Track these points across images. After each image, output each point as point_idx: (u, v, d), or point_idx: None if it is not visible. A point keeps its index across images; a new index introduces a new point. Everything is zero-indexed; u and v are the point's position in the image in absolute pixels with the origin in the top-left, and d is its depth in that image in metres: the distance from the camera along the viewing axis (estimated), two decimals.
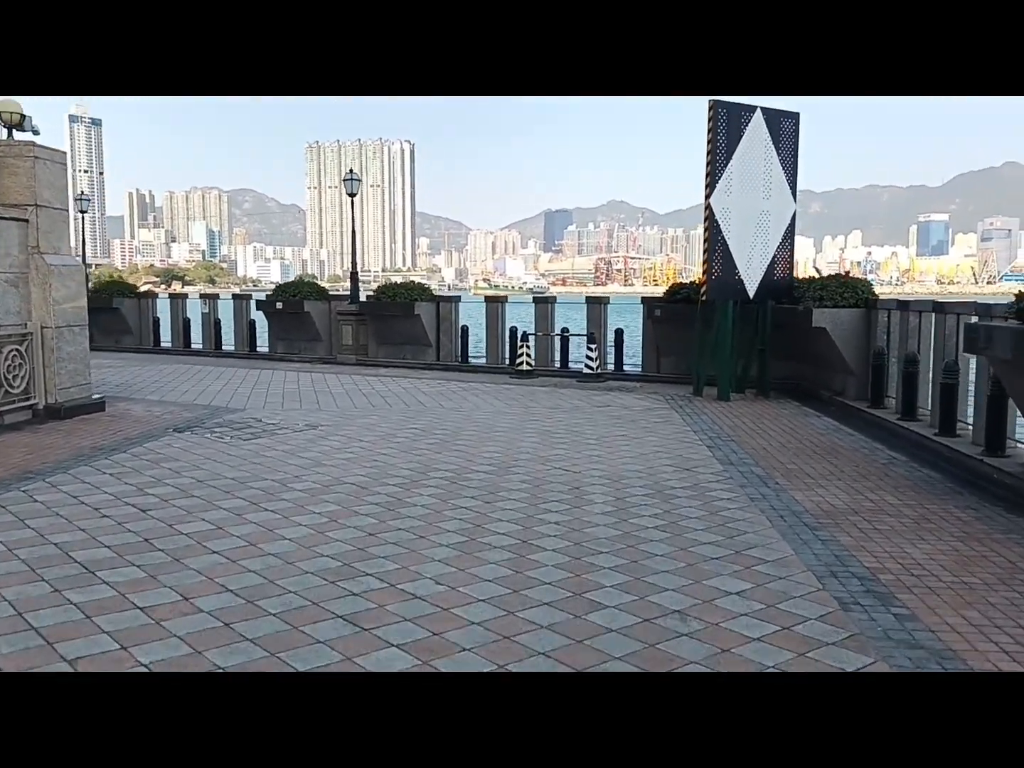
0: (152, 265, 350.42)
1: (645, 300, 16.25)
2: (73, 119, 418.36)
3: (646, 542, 5.77)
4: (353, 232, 20.82)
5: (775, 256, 13.42)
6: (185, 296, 23.28)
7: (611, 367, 16.83)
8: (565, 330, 17.12)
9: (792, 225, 13.58)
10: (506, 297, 18.81)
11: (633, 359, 17.85)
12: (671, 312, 15.38)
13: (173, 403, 12.18)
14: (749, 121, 12.79)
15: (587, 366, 15.75)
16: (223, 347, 22.10)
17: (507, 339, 18.35)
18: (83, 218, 25.03)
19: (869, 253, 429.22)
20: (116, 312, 23.05)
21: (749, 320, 13.54)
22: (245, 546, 5.58)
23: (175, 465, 7.97)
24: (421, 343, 19.01)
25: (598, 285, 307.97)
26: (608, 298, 17.13)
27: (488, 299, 18.59)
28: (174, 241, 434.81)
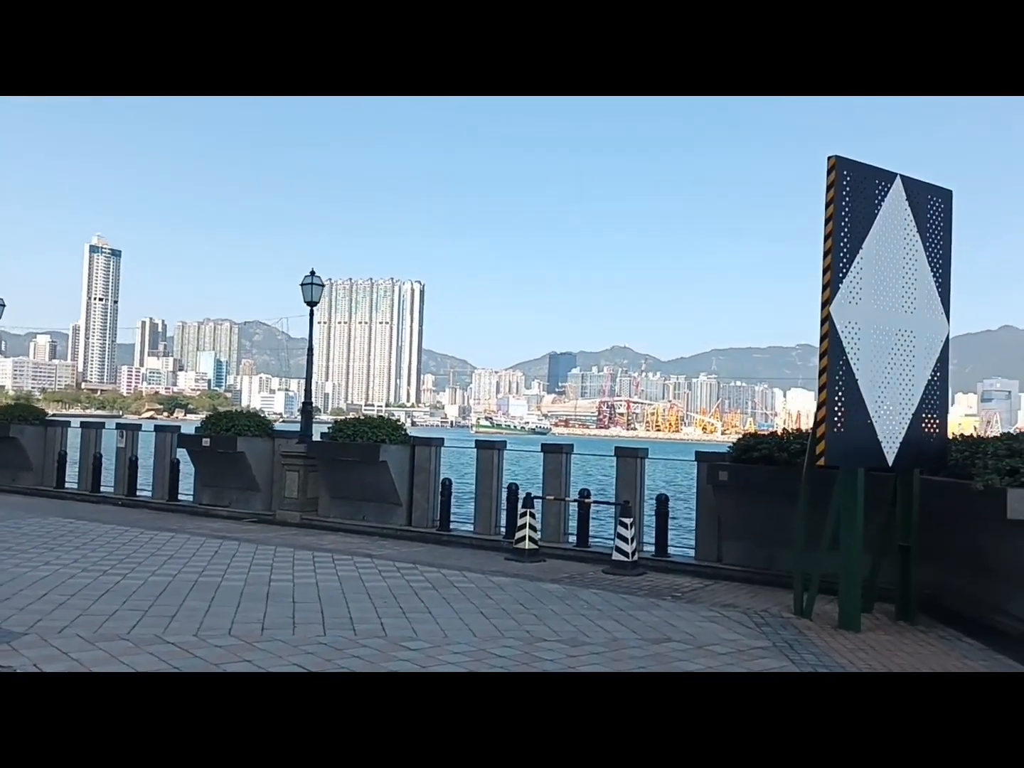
0: (157, 392, 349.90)
1: (702, 456, 11.41)
2: (94, 249, 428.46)
3: None
4: (310, 351, 16.25)
5: (923, 401, 8.67)
6: (101, 425, 18.51)
7: (650, 548, 11.80)
8: (584, 494, 12.17)
9: (945, 355, 8.90)
10: (504, 443, 13.99)
11: (680, 538, 12.81)
12: (743, 476, 10.53)
13: None
14: (885, 195, 8.36)
15: (619, 550, 10.73)
16: (137, 493, 17.12)
17: (504, 499, 13.46)
18: None
19: None
20: (14, 442, 18.23)
21: (878, 496, 8.66)
22: None
23: None
24: (387, 500, 14.05)
25: (600, 428, 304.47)
26: (646, 450, 12.28)
27: (481, 445, 13.76)
28: (181, 370, 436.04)
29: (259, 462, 15.32)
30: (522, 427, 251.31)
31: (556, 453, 12.84)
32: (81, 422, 18.49)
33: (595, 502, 12.11)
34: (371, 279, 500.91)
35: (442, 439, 14.50)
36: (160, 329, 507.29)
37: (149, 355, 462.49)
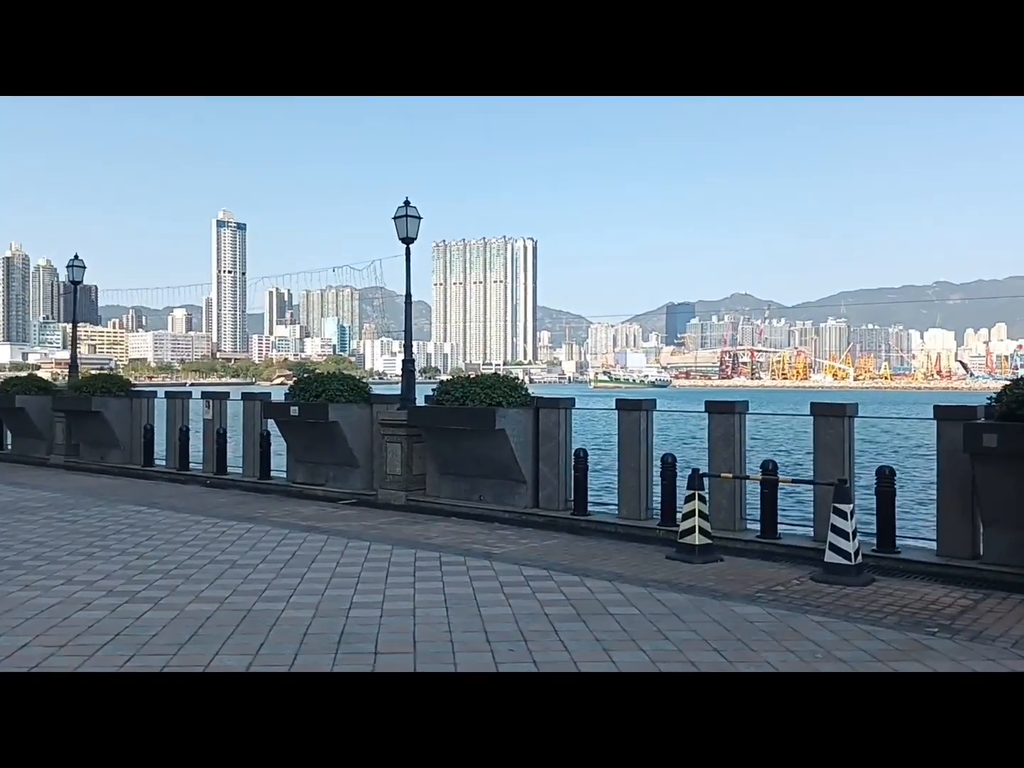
0: (286, 359, 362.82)
1: (946, 413, 8.06)
2: (221, 224, 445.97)
3: None
4: (408, 298, 13.64)
5: None
6: (188, 395, 16.61)
7: (870, 542, 8.59)
8: (769, 467, 9.03)
9: None
10: (653, 402, 10.97)
11: (906, 524, 9.50)
12: (1022, 440, 7.15)
13: None
14: None
15: (835, 548, 7.58)
16: (228, 470, 15.14)
17: (655, 473, 10.55)
18: (76, 290, 19.13)
19: (1020, 346, 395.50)
20: (98, 417, 16.60)
21: None
22: None
23: None
24: (508, 476, 11.34)
25: (723, 378, 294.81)
26: (855, 406, 8.99)
27: (624, 405, 10.78)
28: (308, 336, 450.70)
29: (356, 433, 12.90)
30: (641, 380, 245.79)
31: (726, 414, 9.72)
32: (166, 392, 16.70)
33: (794, 481, 8.95)
34: (484, 239, 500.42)
35: (572, 399, 11.60)
36: (287, 298, 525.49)
37: (277, 323, 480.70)
